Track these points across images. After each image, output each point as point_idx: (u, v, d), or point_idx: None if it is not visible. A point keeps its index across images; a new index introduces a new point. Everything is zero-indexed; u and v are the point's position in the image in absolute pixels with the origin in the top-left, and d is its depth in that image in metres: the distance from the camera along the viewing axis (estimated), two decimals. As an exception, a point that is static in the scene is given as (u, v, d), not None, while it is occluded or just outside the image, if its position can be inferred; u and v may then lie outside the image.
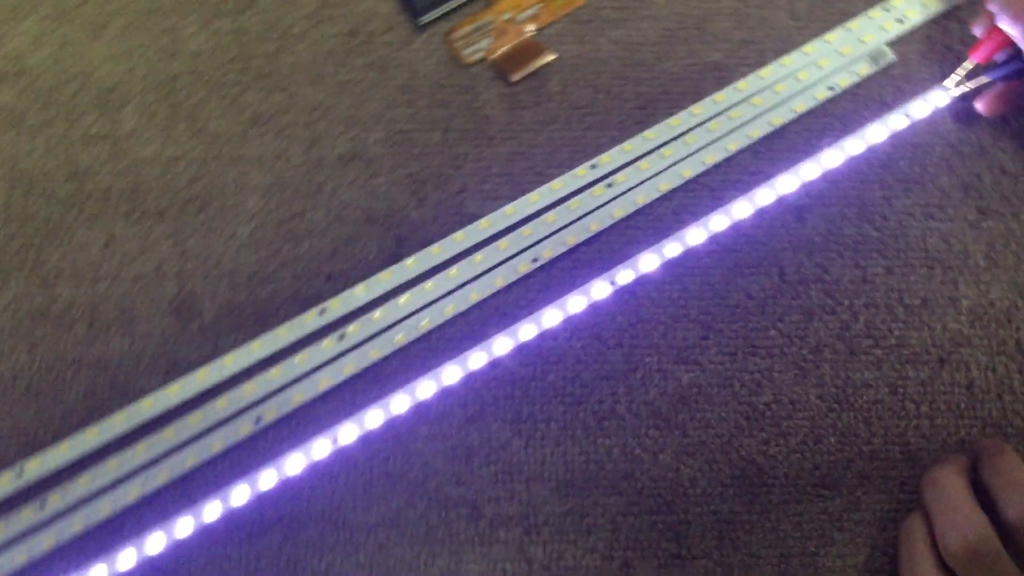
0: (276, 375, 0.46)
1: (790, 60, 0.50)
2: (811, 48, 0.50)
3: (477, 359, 0.46)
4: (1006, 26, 0.44)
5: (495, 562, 0.46)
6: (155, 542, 0.44)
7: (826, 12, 0.50)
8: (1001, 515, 0.42)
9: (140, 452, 0.45)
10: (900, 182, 0.49)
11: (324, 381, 0.46)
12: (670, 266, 0.48)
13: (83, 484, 0.45)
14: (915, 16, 0.50)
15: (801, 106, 0.49)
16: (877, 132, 0.49)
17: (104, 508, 0.45)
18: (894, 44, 0.50)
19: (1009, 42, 0.46)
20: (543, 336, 0.47)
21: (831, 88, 0.49)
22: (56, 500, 0.45)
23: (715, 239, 0.48)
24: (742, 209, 0.48)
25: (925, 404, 0.48)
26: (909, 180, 0.49)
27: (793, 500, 0.47)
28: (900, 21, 0.50)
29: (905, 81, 0.50)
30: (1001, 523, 0.42)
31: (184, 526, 0.45)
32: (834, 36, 0.50)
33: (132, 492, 0.45)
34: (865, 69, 0.50)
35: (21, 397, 0.46)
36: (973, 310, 0.48)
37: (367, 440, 0.46)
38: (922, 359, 0.48)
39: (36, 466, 0.45)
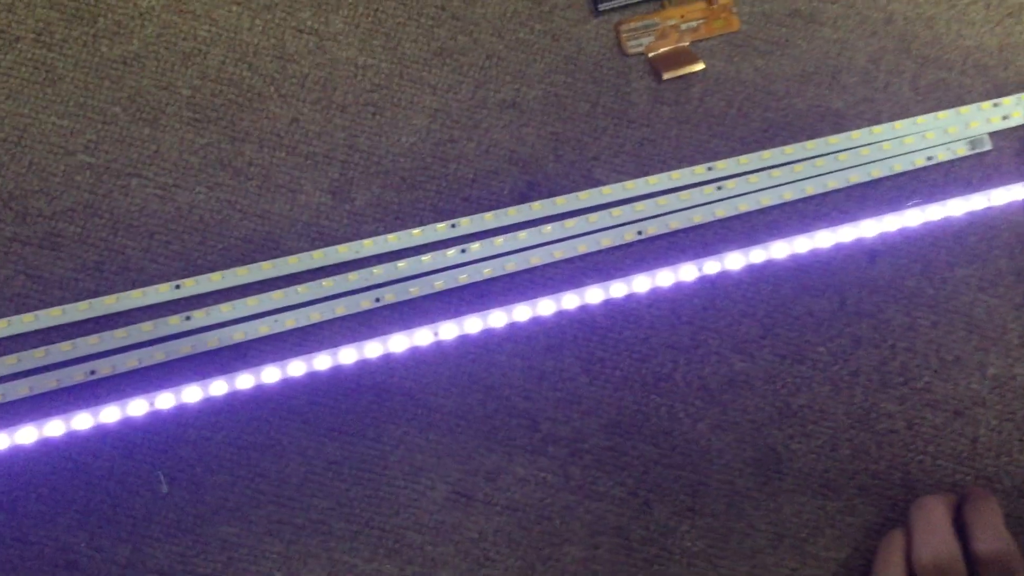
0: (403, 267, 0.54)
1: (901, 125, 0.57)
2: (922, 120, 0.57)
3: (570, 300, 0.54)
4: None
5: (539, 471, 0.54)
6: (270, 374, 0.53)
7: (944, 93, 0.57)
8: (973, 547, 0.50)
9: (277, 298, 0.54)
10: (965, 253, 0.56)
11: (439, 283, 0.54)
12: (751, 269, 0.55)
13: (225, 311, 0.53)
14: (1019, 118, 0.57)
15: (899, 166, 0.56)
16: (957, 206, 0.56)
17: (237, 335, 0.53)
18: (994, 135, 0.57)
19: (1093, 161, 0.52)
20: (630, 297, 0.55)
21: (929, 158, 0.56)
22: (200, 316, 0.53)
23: (795, 257, 0.55)
24: (824, 239, 0.55)
25: (933, 445, 0.55)
26: (973, 254, 0.56)
27: (799, 491, 0.54)
28: (1005, 118, 0.57)
29: (994, 169, 0.57)
30: (971, 554, 0.50)
31: (297, 368, 0.53)
32: (945, 115, 0.57)
33: (262, 328, 0.53)
34: (963, 150, 0.57)
35: (192, 226, 0.54)
36: (997, 378, 0.55)
37: (463, 341, 0.54)
38: (941, 407, 0.55)
39: (191, 285, 0.53)
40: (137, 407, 0.52)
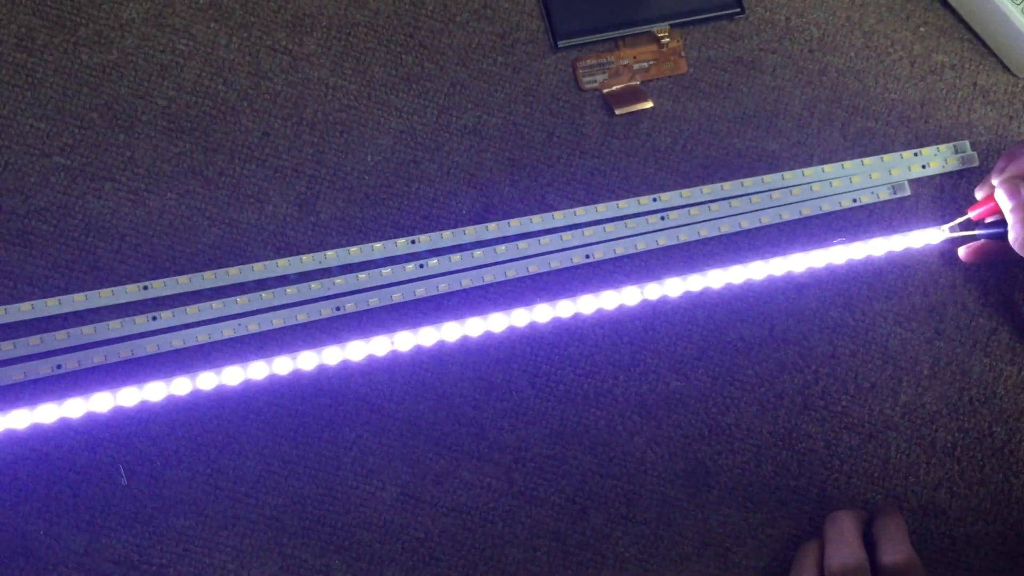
0: (363, 278, 0.57)
1: (830, 168, 0.61)
2: (849, 165, 0.62)
3: (520, 316, 0.57)
4: (1000, 199, 0.56)
5: (484, 476, 0.57)
6: (232, 375, 0.55)
7: (870, 141, 0.62)
8: (879, 560, 0.54)
9: (241, 302, 0.56)
10: (884, 289, 0.61)
11: (397, 295, 0.57)
12: (689, 295, 0.59)
13: (191, 312, 0.56)
14: (936, 167, 0.62)
15: (827, 206, 0.61)
16: (878, 246, 0.60)
17: (201, 336, 0.56)
18: (913, 182, 0.62)
19: (999, 211, 0.57)
20: (576, 317, 0.58)
21: (855, 200, 0.61)
22: (167, 317, 0.55)
23: (729, 287, 0.59)
24: (757, 270, 0.59)
25: (847, 464, 0.60)
26: (891, 291, 0.61)
27: (725, 504, 0.58)
28: (924, 167, 0.62)
29: (912, 214, 0.62)
30: (878, 566, 0.54)
31: (257, 370, 0.55)
32: (869, 161, 0.62)
33: (226, 331, 0.56)
34: (885, 195, 0.62)
35: (162, 231, 0.56)
36: (907, 405, 0.60)
37: (417, 351, 0.57)
38: (856, 429, 0.60)
39: (159, 287, 0.55)
40: (101, 402, 0.53)
